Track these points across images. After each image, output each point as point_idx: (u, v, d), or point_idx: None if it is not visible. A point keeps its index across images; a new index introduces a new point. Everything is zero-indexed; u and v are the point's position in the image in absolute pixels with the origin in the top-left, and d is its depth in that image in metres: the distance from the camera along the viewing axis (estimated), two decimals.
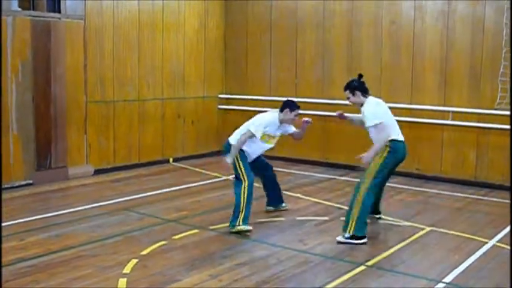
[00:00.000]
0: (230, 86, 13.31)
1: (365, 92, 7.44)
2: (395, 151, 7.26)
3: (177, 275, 5.91)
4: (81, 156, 10.62)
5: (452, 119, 10.35)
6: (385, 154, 7.21)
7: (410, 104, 10.80)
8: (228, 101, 13.25)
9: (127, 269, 6.02)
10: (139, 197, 9.15)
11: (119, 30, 11.03)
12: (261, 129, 7.58)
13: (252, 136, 7.56)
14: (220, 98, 13.26)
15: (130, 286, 5.60)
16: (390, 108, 10.85)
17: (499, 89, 9.78)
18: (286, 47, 12.38)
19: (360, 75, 7.54)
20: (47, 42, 9.90)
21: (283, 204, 8.47)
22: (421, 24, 10.70)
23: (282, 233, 7.45)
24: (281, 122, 7.79)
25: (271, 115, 7.83)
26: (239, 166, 7.63)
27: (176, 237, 7.13)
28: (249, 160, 7.79)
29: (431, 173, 10.71)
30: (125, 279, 5.74)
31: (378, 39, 11.19)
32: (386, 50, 11.10)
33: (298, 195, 9.41)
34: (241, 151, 7.74)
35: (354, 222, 7.06)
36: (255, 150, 7.80)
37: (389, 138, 7.22)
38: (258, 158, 8.09)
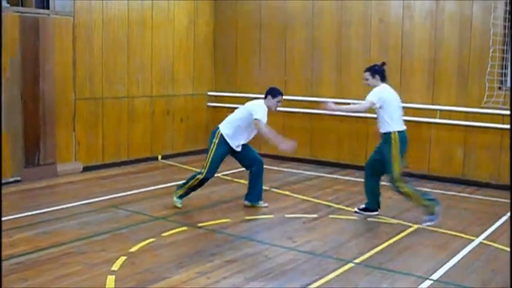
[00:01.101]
0: (219, 83, 13.31)
1: (384, 79, 7.91)
2: (402, 141, 7.79)
3: (166, 272, 5.92)
4: (70, 153, 10.59)
5: (440, 118, 10.41)
6: (398, 145, 7.71)
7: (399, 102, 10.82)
8: (217, 99, 13.24)
9: (115, 266, 6.02)
10: (128, 194, 9.15)
11: (108, 27, 11.01)
12: (266, 116, 8.07)
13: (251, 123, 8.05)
14: (209, 95, 13.26)
15: (119, 283, 5.60)
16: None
17: (487, 88, 9.84)
18: (276, 45, 12.40)
19: (383, 63, 8.04)
20: (36, 38, 9.86)
21: (261, 203, 8.50)
22: (410, 23, 10.75)
23: (270, 231, 7.47)
24: (268, 108, 8.22)
25: (263, 103, 8.23)
26: (210, 154, 8.10)
27: (165, 234, 7.14)
28: (236, 145, 8.17)
29: (419, 170, 10.75)
30: (113, 277, 5.74)
31: (366, 37, 11.23)
32: (375, 49, 11.14)
33: (287, 192, 9.43)
34: (226, 143, 8.08)
35: (426, 207, 7.74)
36: (247, 136, 8.25)
37: (394, 130, 7.74)
38: (249, 148, 8.34)
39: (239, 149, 8.22)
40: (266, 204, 8.53)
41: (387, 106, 7.73)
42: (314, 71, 11.88)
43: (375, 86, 7.87)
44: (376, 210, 8.23)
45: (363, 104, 7.79)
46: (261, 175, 8.42)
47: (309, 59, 11.95)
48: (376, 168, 8.08)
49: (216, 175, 8.43)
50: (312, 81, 11.88)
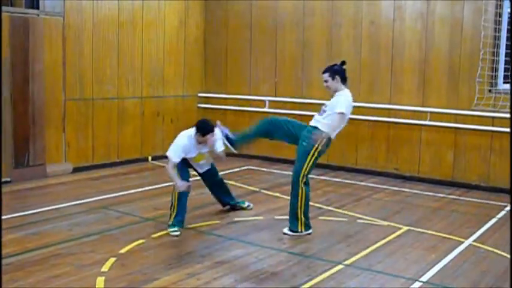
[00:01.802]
0: (210, 84, 13.30)
1: (344, 81, 7.33)
2: (325, 148, 7.29)
3: (155, 273, 5.91)
4: (60, 154, 10.56)
5: (431, 120, 10.43)
6: (320, 148, 7.20)
7: (389, 104, 10.86)
8: (207, 100, 13.23)
9: (105, 268, 6.00)
10: (118, 196, 9.13)
11: (98, 27, 10.97)
12: (177, 156, 7.39)
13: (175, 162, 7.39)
14: (199, 96, 13.24)
15: (108, 284, 5.58)
16: (369, 108, 11.00)
17: (477, 90, 9.89)
18: (266, 46, 12.40)
19: (343, 62, 7.45)
20: (25, 39, 9.82)
21: (246, 203, 8.49)
22: (400, 24, 10.77)
23: (260, 232, 7.46)
24: (198, 142, 7.47)
25: (187, 137, 7.48)
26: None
27: (154, 235, 7.12)
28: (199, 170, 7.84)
29: (409, 172, 10.79)
30: (103, 278, 5.73)
31: (357, 39, 11.24)
32: (366, 50, 11.15)
33: (277, 194, 9.42)
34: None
35: (298, 221, 7.31)
36: (200, 165, 7.77)
37: (330, 135, 7.22)
38: (209, 171, 7.96)
39: (199, 170, 7.93)
40: (251, 206, 8.49)
41: (344, 120, 7.25)
42: (304, 72, 11.88)
43: (335, 89, 7.26)
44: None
45: (336, 123, 7.16)
46: (225, 190, 8.31)
47: (299, 60, 11.96)
48: (280, 131, 7.59)
49: None
50: (302, 82, 11.88)
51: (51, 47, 10.22)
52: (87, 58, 10.84)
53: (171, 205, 7.38)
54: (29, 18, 9.87)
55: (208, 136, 7.35)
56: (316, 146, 7.16)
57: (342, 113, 7.11)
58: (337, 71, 7.29)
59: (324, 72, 7.36)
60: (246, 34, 12.67)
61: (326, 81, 7.31)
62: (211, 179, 8.10)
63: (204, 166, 7.90)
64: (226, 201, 8.37)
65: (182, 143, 7.45)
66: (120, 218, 7.92)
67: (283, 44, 12.17)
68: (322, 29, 11.64)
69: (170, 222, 7.31)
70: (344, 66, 7.39)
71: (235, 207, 8.38)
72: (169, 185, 8.06)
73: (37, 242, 6.77)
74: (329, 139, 7.25)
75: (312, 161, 7.23)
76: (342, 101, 7.19)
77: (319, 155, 7.27)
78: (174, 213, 7.32)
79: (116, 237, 7.08)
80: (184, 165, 7.57)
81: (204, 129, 7.35)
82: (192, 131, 7.48)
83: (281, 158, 12.14)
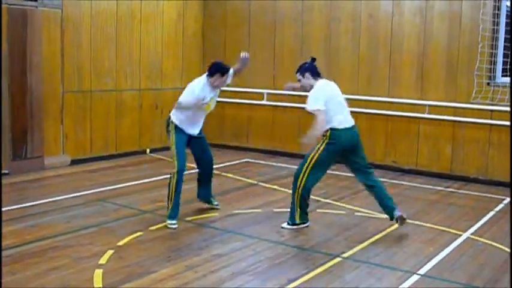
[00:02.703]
0: None
1: (316, 75, 7.29)
2: (335, 141, 7.03)
3: (153, 266, 5.91)
4: (58, 146, 10.55)
5: (429, 113, 10.43)
6: (322, 146, 7.04)
7: (388, 97, 10.86)
8: None
9: (103, 260, 6.00)
10: (116, 188, 9.12)
11: (96, 19, 10.94)
12: (194, 97, 7.33)
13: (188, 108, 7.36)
14: None
15: (106, 277, 5.58)
16: (367, 101, 10.99)
17: (475, 84, 9.88)
18: (265, 40, 12.36)
19: (313, 59, 7.43)
20: (24, 31, 9.79)
21: (216, 203, 8.11)
22: (399, 18, 10.75)
23: (258, 225, 7.47)
24: (213, 86, 7.45)
25: (202, 84, 7.42)
26: (172, 146, 7.42)
27: (152, 228, 7.12)
28: (190, 132, 7.55)
29: (407, 165, 10.79)
30: (101, 270, 5.73)
31: (356, 33, 11.22)
32: (364, 44, 11.14)
33: (275, 187, 9.43)
34: (178, 128, 7.51)
35: (294, 213, 7.28)
36: (193, 119, 7.56)
37: (329, 127, 7.01)
38: (201, 146, 7.75)
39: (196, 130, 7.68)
40: (219, 205, 8.16)
41: (327, 104, 7.02)
42: None
43: (310, 85, 7.22)
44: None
45: (319, 121, 6.94)
46: (210, 177, 8.02)
47: (298, 54, 11.92)
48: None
49: None
50: None
51: (49, 39, 10.20)
52: (86, 50, 10.82)
53: (169, 197, 7.30)
54: (27, 10, 9.84)
55: (227, 75, 7.47)
56: (318, 146, 7.05)
57: (318, 110, 6.98)
58: (307, 69, 7.30)
59: (296, 72, 7.41)
60: (244, 28, 12.64)
61: (299, 80, 7.40)
62: (202, 165, 7.84)
63: (200, 125, 7.68)
64: (204, 194, 8.06)
65: (200, 87, 7.37)
66: (118, 210, 7.92)
67: (282, 38, 12.14)
68: (320, 23, 11.61)
69: (168, 214, 7.29)
70: (314, 63, 7.39)
71: (207, 202, 8.12)
72: (166, 178, 8.03)
73: (35, 234, 6.77)
74: (334, 130, 7.02)
75: (313, 162, 7.07)
76: (309, 97, 7.13)
77: (324, 154, 7.06)
78: (171, 205, 7.27)
79: (113, 229, 7.08)
80: (183, 147, 7.44)
81: (224, 68, 7.48)
82: (202, 78, 7.49)
83: (279, 151, 12.14)
